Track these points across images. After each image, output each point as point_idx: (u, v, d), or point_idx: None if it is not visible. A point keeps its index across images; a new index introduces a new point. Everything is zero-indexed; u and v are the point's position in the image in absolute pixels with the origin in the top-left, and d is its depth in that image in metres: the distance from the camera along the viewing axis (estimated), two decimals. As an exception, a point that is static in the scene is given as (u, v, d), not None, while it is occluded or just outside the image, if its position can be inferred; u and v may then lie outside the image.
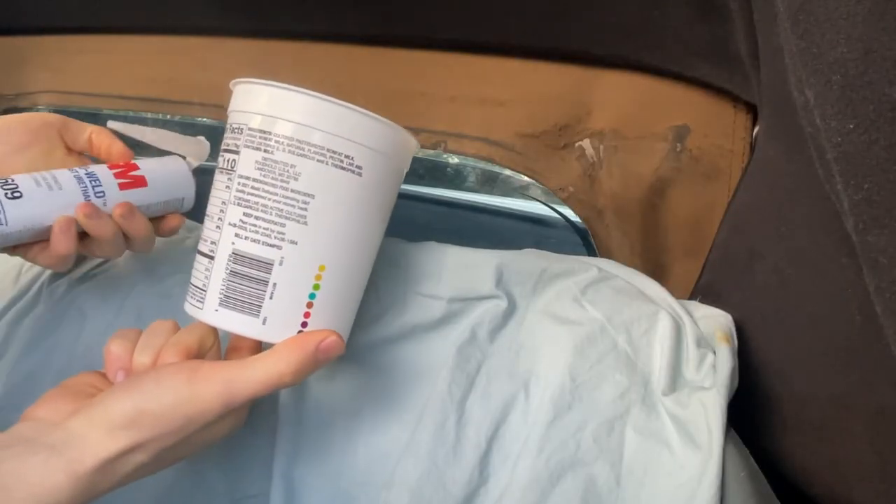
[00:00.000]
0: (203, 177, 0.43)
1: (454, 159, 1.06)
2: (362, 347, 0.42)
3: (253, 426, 0.41)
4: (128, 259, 0.50)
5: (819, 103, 0.23)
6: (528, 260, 0.47)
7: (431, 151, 0.74)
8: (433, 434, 0.39)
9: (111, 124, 0.44)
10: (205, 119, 0.68)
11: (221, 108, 0.64)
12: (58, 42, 0.70)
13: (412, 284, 0.45)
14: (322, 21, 0.58)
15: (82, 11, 0.66)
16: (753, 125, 0.49)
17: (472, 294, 0.44)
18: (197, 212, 0.43)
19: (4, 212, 0.36)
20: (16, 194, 0.37)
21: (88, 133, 0.45)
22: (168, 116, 0.70)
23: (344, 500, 0.39)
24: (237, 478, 0.41)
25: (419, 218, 0.85)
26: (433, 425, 0.39)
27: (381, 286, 0.45)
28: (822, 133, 0.24)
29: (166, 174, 0.45)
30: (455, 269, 0.45)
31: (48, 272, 0.50)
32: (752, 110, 0.49)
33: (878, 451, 0.33)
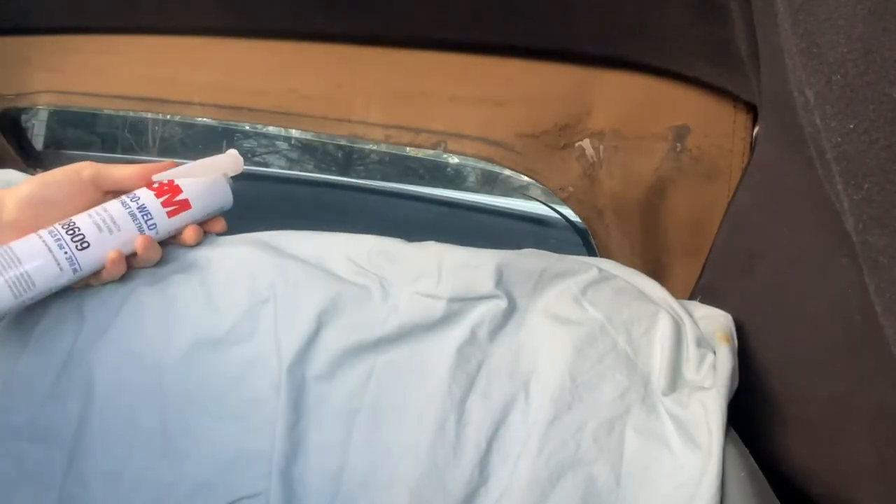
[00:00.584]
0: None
1: (454, 159, 1.06)
2: (362, 347, 0.42)
3: (252, 426, 0.41)
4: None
5: (819, 103, 0.23)
6: (528, 260, 0.47)
7: (431, 151, 0.74)
8: (433, 434, 0.39)
9: (156, 177, 0.44)
10: (205, 119, 0.68)
11: (221, 108, 0.64)
12: (58, 42, 0.70)
13: (412, 284, 0.45)
14: (323, 21, 0.58)
15: (82, 11, 0.66)
16: (753, 125, 0.49)
17: (472, 294, 0.44)
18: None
19: (78, 262, 0.41)
20: (84, 244, 0.41)
21: (127, 179, 0.45)
22: (168, 116, 0.70)
23: (344, 500, 0.39)
24: (236, 477, 0.40)
25: (419, 218, 0.85)
26: (433, 425, 0.39)
27: (381, 286, 0.45)
28: (822, 133, 0.24)
29: (207, 192, 0.46)
30: (455, 269, 0.45)
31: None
32: (752, 110, 0.49)
33: (878, 451, 0.33)
